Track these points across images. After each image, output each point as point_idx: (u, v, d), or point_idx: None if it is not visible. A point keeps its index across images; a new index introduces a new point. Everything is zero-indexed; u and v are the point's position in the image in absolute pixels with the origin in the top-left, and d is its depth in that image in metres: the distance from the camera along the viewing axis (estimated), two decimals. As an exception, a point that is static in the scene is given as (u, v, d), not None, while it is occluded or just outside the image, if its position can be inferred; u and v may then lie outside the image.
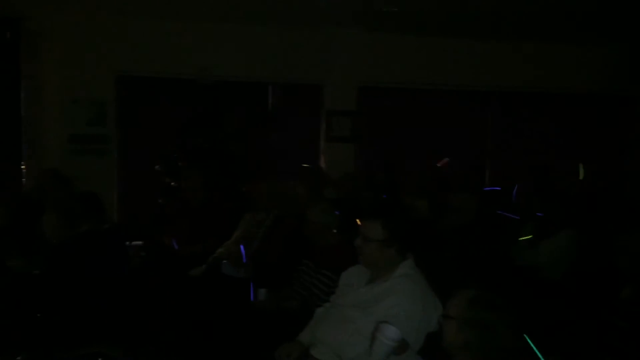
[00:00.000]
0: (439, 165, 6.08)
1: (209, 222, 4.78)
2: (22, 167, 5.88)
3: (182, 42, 6.08)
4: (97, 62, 5.92)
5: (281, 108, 6.75)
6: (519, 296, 3.84)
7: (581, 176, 5.58)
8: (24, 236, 4.14)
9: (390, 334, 2.24)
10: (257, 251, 4.45)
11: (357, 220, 2.85)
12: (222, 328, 3.47)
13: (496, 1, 4.89)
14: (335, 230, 3.76)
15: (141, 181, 6.23)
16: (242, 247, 4.34)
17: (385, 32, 6.48)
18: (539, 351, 2.64)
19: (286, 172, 6.01)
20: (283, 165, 6.43)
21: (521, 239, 4.61)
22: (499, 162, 7.20)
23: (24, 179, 5.88)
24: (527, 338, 2.27)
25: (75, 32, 5.86)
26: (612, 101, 7.37)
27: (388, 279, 2.63)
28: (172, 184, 5.73)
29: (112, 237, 3.86)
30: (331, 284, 3.26)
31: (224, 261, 4.36)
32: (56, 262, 3.51)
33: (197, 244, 4.69)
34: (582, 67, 7.03)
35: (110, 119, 6.07)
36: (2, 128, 5.91)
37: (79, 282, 3.45)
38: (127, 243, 4.41)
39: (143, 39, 5.98)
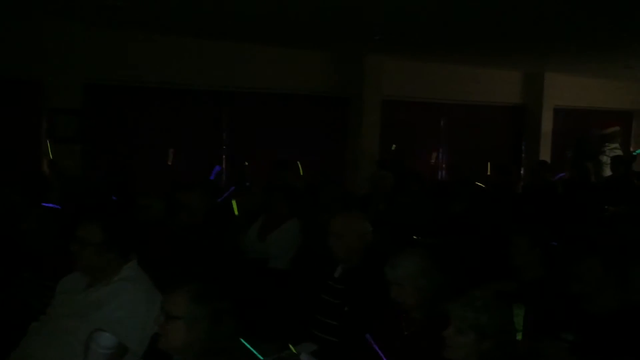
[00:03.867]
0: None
1: None
2: None
3: None
4: None
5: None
6: (248, 286, 4.06)
7: (301, 172, 6.07)
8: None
9: (103, 341, 2.15)
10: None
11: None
12: None
13: (230, 3, 5.01)
14: (56, 238, 3.50)
15: None
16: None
17: (115, 29, 6.22)
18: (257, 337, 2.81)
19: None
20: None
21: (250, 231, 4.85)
22: (235, 160, 7.41)
23: None
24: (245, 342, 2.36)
25: None
26: (331, 102, 8.14)
27: (109, 283, 2.53)
28: None
29: None
30: (52, 296, 3.03)
31: None
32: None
33: None
34: (305, 70, 7.65)
35: None
36: None
37: None
38: None
39: None
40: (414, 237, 4.76)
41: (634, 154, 7.93)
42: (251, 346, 2.51)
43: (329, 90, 7.96)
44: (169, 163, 6.31)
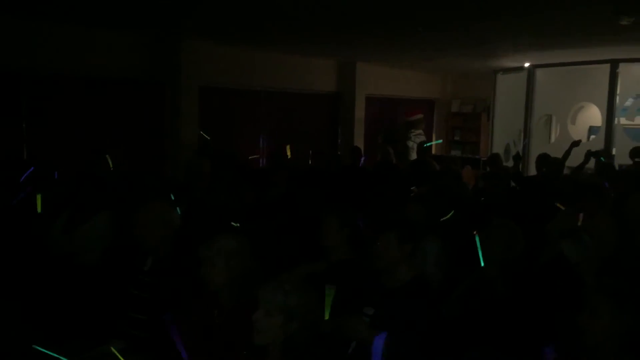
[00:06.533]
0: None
1: None
2: None
3: None
4: None
5: None
6: (51, 285, 3.77)
7: (110, 164, 5.77)
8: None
9: None
10: None
11: None
12: None
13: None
14: None
15: None
16: None
17: None
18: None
19: None
20: None
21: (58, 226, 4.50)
22: (38, 148, 6.75)
23: None
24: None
25: None
26: (145, 86, 7.79)
27: None
28: None
29: None
30: None
31: None
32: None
33: None
34: (117, 52, 7.23)
35: None
36: None
37: None
38: None
39: None
40: (232, 223, 4.77)
41: (425, 145, 8.65)
42: (51, 347, 2.35)
43: (143, 74, 7.61)
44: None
